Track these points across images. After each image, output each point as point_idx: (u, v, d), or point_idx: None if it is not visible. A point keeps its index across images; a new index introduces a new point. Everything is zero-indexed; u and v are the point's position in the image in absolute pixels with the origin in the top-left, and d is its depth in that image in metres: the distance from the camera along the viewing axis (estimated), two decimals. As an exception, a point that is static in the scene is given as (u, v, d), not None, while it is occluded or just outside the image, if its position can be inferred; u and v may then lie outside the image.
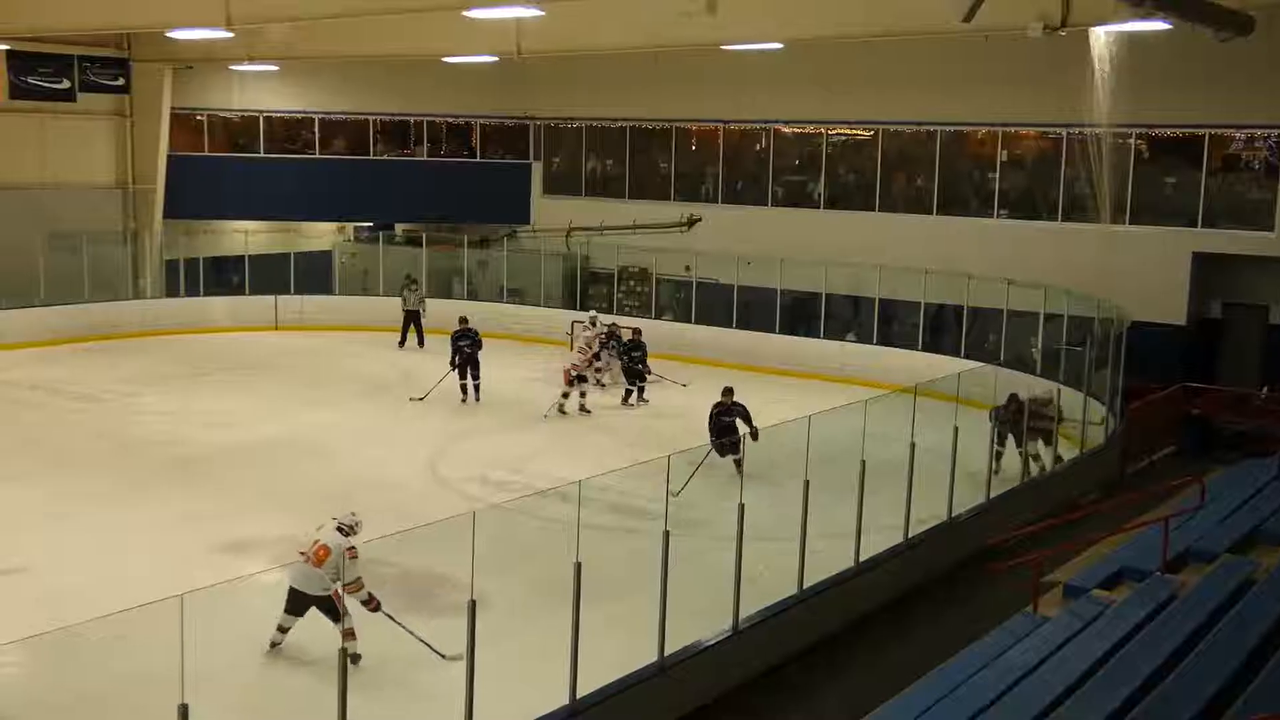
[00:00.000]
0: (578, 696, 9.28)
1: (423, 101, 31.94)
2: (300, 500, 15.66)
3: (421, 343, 26.67)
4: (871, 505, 12.82)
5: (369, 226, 33.38)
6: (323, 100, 31.48)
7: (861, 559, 12.70)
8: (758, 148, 30.11)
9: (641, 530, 13.19)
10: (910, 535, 13.60)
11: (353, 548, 10.41)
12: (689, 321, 27.54)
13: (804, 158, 29.67)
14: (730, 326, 26.43)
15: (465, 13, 18.62)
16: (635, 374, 22.19)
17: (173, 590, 7.18)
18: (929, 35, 20.93)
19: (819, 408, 13.53)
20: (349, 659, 9.56)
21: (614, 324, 23.49)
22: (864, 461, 12.76)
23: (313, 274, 31.00)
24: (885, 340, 25.14)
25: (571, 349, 23.17)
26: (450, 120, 32.85)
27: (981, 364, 19.68)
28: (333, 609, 10.44)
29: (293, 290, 29.41)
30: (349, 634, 10.22)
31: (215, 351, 26.28)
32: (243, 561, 13.14)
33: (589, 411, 20.97)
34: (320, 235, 32.90)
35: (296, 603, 10.65)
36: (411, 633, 10.23)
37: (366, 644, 10.49)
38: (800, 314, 26.82)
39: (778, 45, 22.21)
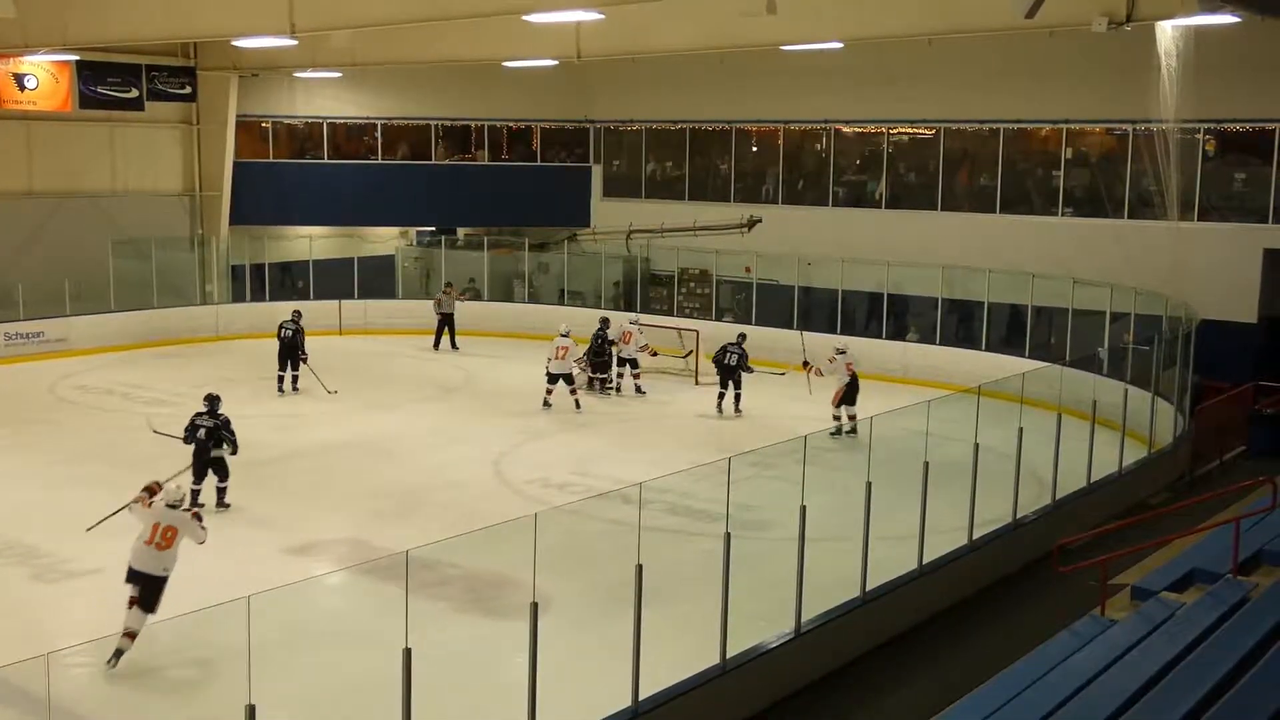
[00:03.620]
0: (640, 698, 9.30)
1: (483, 106, 32.16)
2: (367, 501, 15.86)
3: (455, 344, 26.97)
4: (935, 507, 12.72)
5: (431, 231, 33.67)
6: (384, 106, 31.81)
7: (925, 561, 12.61)
8: (818, 148, 29.98)
9: (703, 532, 13.20)
10: (974, 537, 13.48)
11: (191, 509, 10.81)
12: (750, 323, 27.48)
13: (865, 157, 29.51)
14: (791, 327, 26.34)
15: (526, 17, 18.70)
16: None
17: (242, 591, 7.31)
18: (991, 32, 20.71)
19: (881, 409, 13.46)
20: (113, 657, 10.01)
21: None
22: (926, 463, 12.67)
23: (376, 278, 31.34)
24: (948, 340, 24.97)
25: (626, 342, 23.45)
26: (511, 124, 33.05)
27: (1047, 364, 19.47)
28: (156, 596, 10.34)
29: (356, 295, 29.77)
30: (132, 635, 10.21)
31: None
32: (310, 562, 13.30)
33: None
34: (383, 240, 33.20)
35: (137, 582, 10.50)
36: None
37: (445, 644, 10.50)
38: (862, 314, 26.68)
39: (838, 45, 22.09)
